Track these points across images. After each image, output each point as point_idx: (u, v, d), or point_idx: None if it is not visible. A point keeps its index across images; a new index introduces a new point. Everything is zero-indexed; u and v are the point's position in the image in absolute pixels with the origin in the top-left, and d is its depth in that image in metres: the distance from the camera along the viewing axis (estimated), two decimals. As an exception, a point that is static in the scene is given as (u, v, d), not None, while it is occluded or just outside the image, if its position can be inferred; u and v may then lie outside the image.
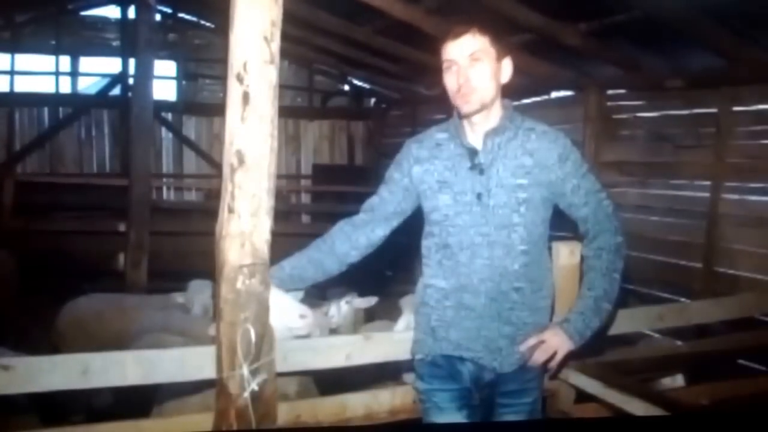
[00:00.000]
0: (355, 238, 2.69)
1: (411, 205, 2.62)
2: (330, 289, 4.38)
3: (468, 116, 2.43)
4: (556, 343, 2.46)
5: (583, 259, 2.62)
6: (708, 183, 5.70)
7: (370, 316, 4.37)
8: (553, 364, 2.51)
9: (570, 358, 2.59)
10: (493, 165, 2.42)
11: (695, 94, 5.86)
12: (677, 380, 3.72)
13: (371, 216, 2.69)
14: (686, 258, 5.92)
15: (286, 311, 2.66)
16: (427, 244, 2.59)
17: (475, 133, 2.47)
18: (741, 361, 4.39)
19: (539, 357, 2.47)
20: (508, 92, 2.53)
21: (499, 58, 2.41)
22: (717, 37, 4.99)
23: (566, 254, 2.91)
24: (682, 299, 5.30)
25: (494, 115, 2.45)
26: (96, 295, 4.87)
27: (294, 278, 2.70)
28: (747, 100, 5.46)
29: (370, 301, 4.04)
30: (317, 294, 4.66)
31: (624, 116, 6.77)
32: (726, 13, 4.62)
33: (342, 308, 3.93)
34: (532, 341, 2.47)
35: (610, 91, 6.76)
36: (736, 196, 5.52)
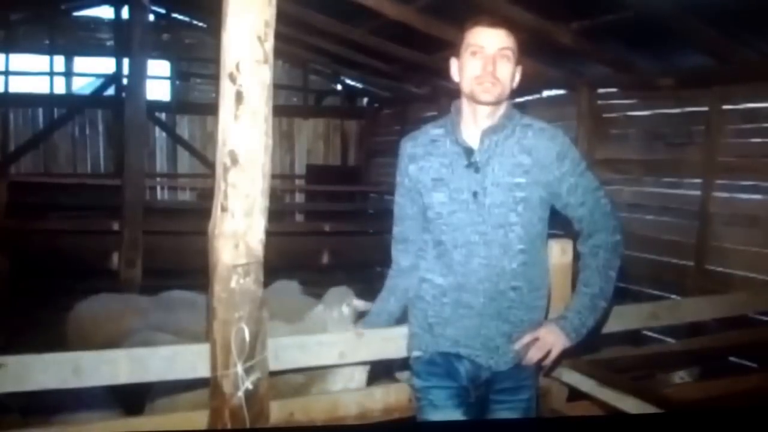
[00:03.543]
0: (410, 248, 2.67)
1: (423, 201, 2.57)
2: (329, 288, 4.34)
3: (481, 104, 2.41)
4: (552, 340, 2.46)
5: (578, 256, 2.61)
6: (699, 181, 5.72)
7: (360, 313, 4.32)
8: (548, 361, 2.50)
9: (564, 355, 2.59)
10: (489, 163, 2.41)
11: (686, 93, 5.87)
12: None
13: (401, 225, 2.68)
14: (678, 256, 5.93)
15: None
16: (425, 238, 2.59)
17: (471, 131, 2.46)
18: (733, 359, 4.41)
19: (535, 354, 2.46)
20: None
21: (517, 63, 2.42)
22: (707, 36, 5.00)
23: (558, 252, 2.90)
24: (674, 297, 5.31)
25: (497, 114, 2.45)
26: (107, 295, 4.88)
27: (383, 313, 2.81)
28: (737, 99, 5.48)
29: (368, 305, 3.86)
30: (314, 295, 4.63)
31: (615, 115, 6.79)
32: (716, 13, 4.64)
33: (343, 312, 3.79)
34: (527, 339, 2.46)
35: (601, 90, 6.78)
36: (726, 194, 5.54)
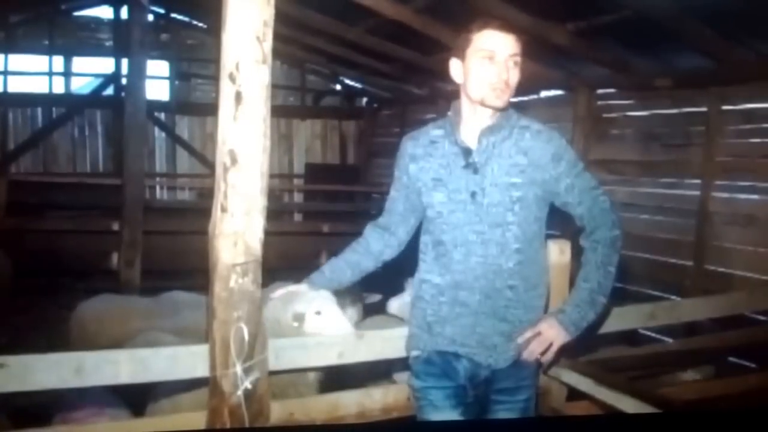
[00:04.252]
0: (387, 237, 2.78)
1: (419, 201, 2.61)
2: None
3: (489, 108, 2.43)
4: (552, 334, 2.47)
5: (580, 252, 2.62)
6: (698, 181, 5.72)
7: (366, 311, 4.31)
8: (549, 356, 2.51)
9: (563, 353, 2.60)
10: (487, 164, 2.43)
11: (684, 93, 5.87)
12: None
13: (388, 217, 2.76)
14: (677, 256, 5.93)
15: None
16: (424, 239, 2.62)
17: (470, 132, 2.48)
18: (731, 359, 4.42)
19: (535, 349, 2.48)
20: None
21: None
22: (705, 37, 5.00)
23: (556, 253, 2.92)
24: (673, 297, 5.32)
25: (496, 114, 2.47)
26: (109, 296, 4.88)
27: (333, 281, 2.85)
28: (736, 100, 5.48)
29: (347, 319, 3.04)
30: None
31: (613, 115, 6.79)
32: (714, 13, 4.64)
33: (307, 319, 2.87)
34: (528, 334, 2.48)
35: (599, 91, 6.78)
36: (725, 195, 5.54)
